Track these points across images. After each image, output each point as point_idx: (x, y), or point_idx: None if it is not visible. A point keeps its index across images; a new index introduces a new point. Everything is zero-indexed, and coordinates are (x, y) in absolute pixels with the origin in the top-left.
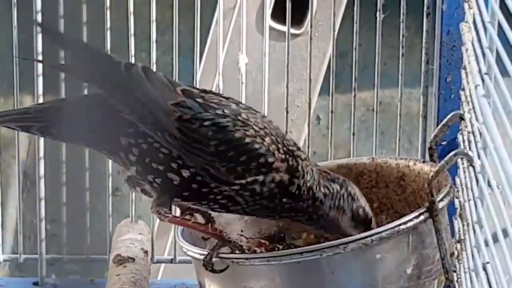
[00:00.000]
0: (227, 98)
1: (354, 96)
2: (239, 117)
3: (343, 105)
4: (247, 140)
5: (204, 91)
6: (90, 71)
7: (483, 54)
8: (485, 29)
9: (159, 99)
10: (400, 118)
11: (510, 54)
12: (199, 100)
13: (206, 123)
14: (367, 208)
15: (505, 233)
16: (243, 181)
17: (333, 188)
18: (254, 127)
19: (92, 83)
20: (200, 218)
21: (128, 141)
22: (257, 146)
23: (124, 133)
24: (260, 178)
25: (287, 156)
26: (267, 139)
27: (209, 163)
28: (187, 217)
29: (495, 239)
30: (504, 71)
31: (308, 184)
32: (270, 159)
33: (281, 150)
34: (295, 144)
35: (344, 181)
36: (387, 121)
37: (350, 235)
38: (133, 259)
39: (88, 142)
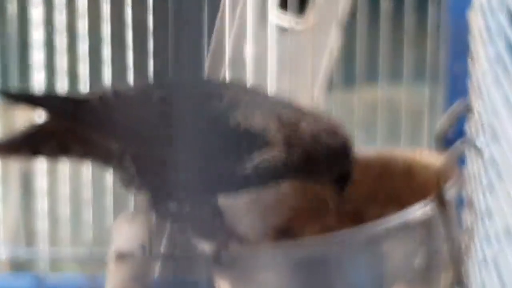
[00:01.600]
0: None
1: (359, 89)
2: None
3: (347, 100)
4: (242, 126)
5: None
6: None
7: (492, 42)
8: (494, 15)
9: (140, 116)
10: (405, 110)
11: None
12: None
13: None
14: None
15: None
16: (248, 169)
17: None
18: (240, 108)
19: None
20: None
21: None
22: (252, 129)
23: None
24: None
25: (282, 126)
26: (255, 116)
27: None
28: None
29: (506, 232)
30: None
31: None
32: (267, 138)
33: (274, 120)
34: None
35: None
36: (394, 115)
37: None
38: (132, 254)
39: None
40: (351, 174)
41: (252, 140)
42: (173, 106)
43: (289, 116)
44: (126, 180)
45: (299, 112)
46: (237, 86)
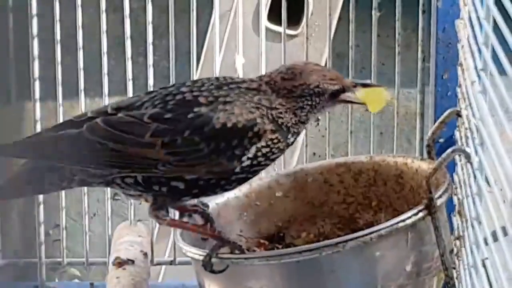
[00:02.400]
0: (174, 86)
1: None
2: (204, 108)
3: (341, 106)
4: (229, 124)
5: (160, 90)
6: (63, 160)
7: (479, 51)
8: (481, 25)
9: (136, 139)
10: (397, 116)
11: (505, 50)
12: (168, 115)
13: (186, 132)
14: (334, 85)
15: (504, 231)
16: (247, 161)
17: (306, 105)
18: (220, 106)
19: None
20: (198, 219)
21: (121, 172)
22: (240, 125)
23: (118, 170)
24: (258, 146)
25: (261, 109)
26: (236, 110)
27: (209, 164)
28: (185, 218)
29: (495, 237)
30: (501, 68)
31: (292, 121)
32: (256, 129)
33: (253, 109)
34: (243, 80)
35: (308, 86)
36: (386, 121)
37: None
38: (133, 261)
39: (82, 183)
40: (339, 88)
41: (241, 135)
42: (161, 124)
43: (266, 100)
44: (131, 193)
45: (281, 93)
46: (204, 83)
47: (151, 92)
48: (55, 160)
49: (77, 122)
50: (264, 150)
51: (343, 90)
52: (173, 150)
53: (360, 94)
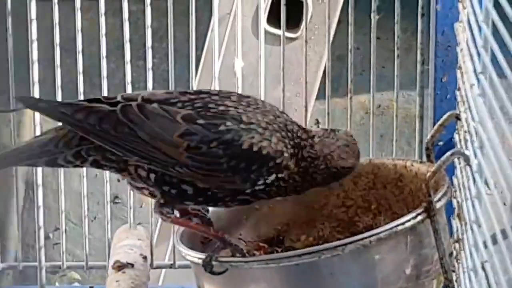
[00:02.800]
0: (218, 94)
1: (350, 98)
2: (242, 125)
3: (342, 109)
4: (255, 148)
5: (199, 93)
6: (91, 133)
7: (478, 54)
8: (480, 28)
9: (164, 135)
10: (396, 119)
11: (504, 53)
12: (200, 121)
13: (213, 144)
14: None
15: (504, 234)
16: (261, 186)
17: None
18: (259, 129)
19: (97, 142)
20: (197, 221)
21: (138, 161)
22: (265, 152)
23: (137, 158)
24: (272, 177)
25: (295, 150)
26: (274, 138)
27: (223, 179)
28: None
29: (494, 240)
30: (500, 71)
31: (311, 170)
32: (278, 160)
33: (289, 146)
34: (297, 127)
35: (331, 160)
36: (386, 124)
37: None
38: (132, 265)
39: (95, 164)
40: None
41: (263, 161)
42: (192, 126)
43: (301, 139)
44: (139, 185)
45: (309, 134)
46: (250, 103)
47: (187, 92)
48: (81, 129)
49: (108, 101)
50: (281, 183)
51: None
52: (195, 156)
53: None
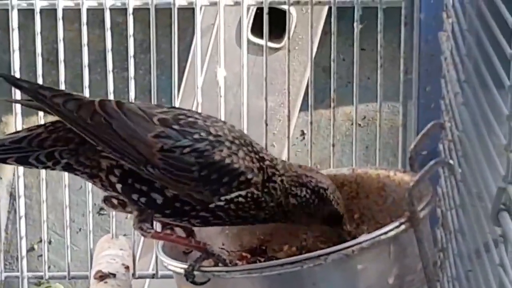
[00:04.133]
0: (189, 111)
1: (333, 107)
2: (212, 137)
3: (328, 120)
4: (227, 161)
5: (171, 108)
6: (65, 116)
7: (462, 62)
8: (463, 37)
9: (139, 133)
10: (380, 128)
11: (488, 62)
12: (176, 127)
13: (186, 150)
14: (339, 207)
15: (486, 246)
16: (225, 201)
17: (303, 196)
18: (226, 142)
19: (71, 126)
20: (180, 232)
21: (109, 163)
22: (236, 165)
23: (104, 156)
24: (242, 193)
25: (261, 164)
26: (240, 153)
27: (192, 188)
28: (168, 231)
29: (478, 249)
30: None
31: (278, 200)
32: (249, 176)
33: (254, 160)
34: (261, 148)
35: (317, 184)
36: (372, 135)
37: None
38: (114, 275)
39: (67, 168)
40: (338, 212)
41: (234, 176)
42: (167, 129)
43: (269, 162)
44: (108, 194)
45: (275, 160)
46: (219, 121)
47: (162, 105)
48: (58, 113)
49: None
50: (240, 199)
51: (340, 219)
52: (167, 159)
53: None
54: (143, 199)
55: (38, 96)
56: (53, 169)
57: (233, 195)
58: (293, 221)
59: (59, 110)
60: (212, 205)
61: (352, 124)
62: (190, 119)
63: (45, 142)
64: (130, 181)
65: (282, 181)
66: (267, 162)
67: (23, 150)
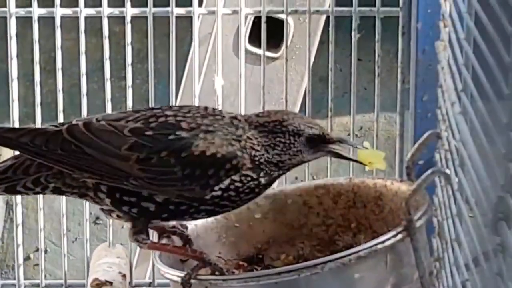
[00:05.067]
0: (160, 108)
1: (330, 117)
2: (185, 133)
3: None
4: (207, 153)
5: (147, 111)
6: (37, 154)
7: (459, 72)
8: (461, 46)
9: (111, 149)
10: (377, 139)
11: (486, 71)
12: (149, 133)
13: (163, 153)
14: (314, 129)
15: (486, 256)
16: (220, 191)
17: (279, 142)
18: (201, 134)
19: (44, 162)
20: (177, 241)
21: (95, 181)
22: (218, 155)
23: (88, 175)
24: (233, 179)
25: (241, 144)
26: (217, 140)
27: (180, 188)
28: (164, 240)
29: (475, 258)
30: (481, 89)
31: (264, 156)
32: (234, 161)
33: (233, 142)
34: (231, 118)
35: (282, 123)
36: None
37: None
38: (111, 283)
39: (56, 191)
40: (319, 133)
41: (219, 165)
42: (140, 139)
43: (248, 135)
44: (106, 210)
45: (253, 125)
46: (191, 110)
47: (139, 110)
48: (27, 152)
49: (61, 124)
50: (236, 184)
51: (324, 138)
52: (146, 167)
53: (359, 154)
54: (134, 210)
55: (4, 141)
56: (44, 194)
57: (225, 183)
58: (288, 167)
59: (28, 149)
60: (208, 197)
61: (348, 134)
62: (160, 119)
63: (30, 169)
64: (118, 195)
65: (255, 138)
66: (243, 136)
67: (10, 179)
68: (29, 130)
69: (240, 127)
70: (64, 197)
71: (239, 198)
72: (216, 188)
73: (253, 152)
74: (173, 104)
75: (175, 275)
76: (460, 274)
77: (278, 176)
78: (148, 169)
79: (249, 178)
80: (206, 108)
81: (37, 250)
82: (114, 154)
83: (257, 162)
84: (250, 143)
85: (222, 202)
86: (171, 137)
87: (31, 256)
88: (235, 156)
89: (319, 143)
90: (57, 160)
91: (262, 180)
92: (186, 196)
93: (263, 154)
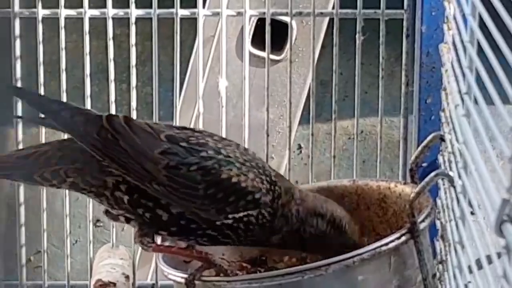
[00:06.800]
0: (201, 132)
1: (334, 119)
2: (221, 156)
3: (325, 134)
4: (234, 179)
5: (183, 129)
6: (72, 130)
7: (463, 74)
8: (465, 49)
9: (145, 149)
10: (380, 139)
11: (490, 73)
12: (183, 144)
13: (193, 167)
14: (355, 237)
15: (489, 259)
16: (233, 219)
17: (320, 226)
18: (236, 163)
19: (77, 140)
20: (181, 242)
21: (115, 180)
22: (243, 184)
23: (110, 173)
24: (251, 213)
25: (272, 187)
26: (250, 174)
27: (198, 206)
28: (168, 242)
29: (479, 261)
30: (485, 92)
31: (293, 227)
32: (257, 195)
33: (264, 182)
34: (275, 173)
35: (333, 214)
36: (369, 150)
37: None
38: (114, 284)
39: (73, 186)
40: (354, 242)
41: (241, 196)
42: (174, 146)
43: (280, 185)
44: (115, 212)
45: (286, 182)
46: (232, 145)
47: (173, 126)
48: (68, 129)
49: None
50: (250, 219)
51: (356, 248)
52: (172, 176)
53: None
54: (148, 214)
55: (44, 109)
56: (58, 187)
57: (240, 214)
58: (307, 250)
59: (66, 124)
60: (219, 223)
61: (349, 138)
62: (200, 140)
63: (51, 160)
64: (136, 196)
65: (297, 210)
66: (281, 186)
67: (29, 167)
68: (71, 107)
69: (285, 186)
70: (67, 198)
71: (245, 234)
72: (230, 216)
73: (284, 219)
74: (177, 105)
75: (179, 276)
76: (462, 277)
77: (289, 248)
78: (174, 179)
79: (265, 218)
80: (246, 148)
81: (37, 252)
82: (146, 154)
83: (281, 214)
84: (288, 211)
85: (228, 231)
86: (203, 154)
87: (32, 258)
88: (260, 191)
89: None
90: (90, 143)
91: (276, 237)
92: (200, 215)
93: (295, 223)
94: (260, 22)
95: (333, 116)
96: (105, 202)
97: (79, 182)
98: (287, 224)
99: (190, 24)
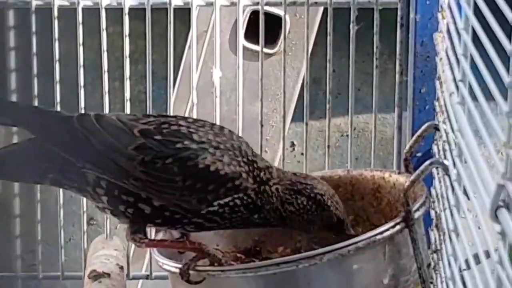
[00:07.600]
0: (175, 117)
1: (329, 108)
2: (195, 145)
3: (318, 132)
4: (212, 168)
5: (159, 117)
6: (43, 134)
7: (458, 62)
8: (459, 36)
9: (118, 146)
10: (374, 129)
11: (485, 59)
12: (158, 137)
13: (168, 160)
14: (338, 212)
15: (486, 254)
16: (214, 208)
17: (299, 203)
18: (210, 149)
19: (48, 144)
20: (175, 233)
21: (95, 175)
22: (222, 172)
23: (89, 168)
24: (234, 197)
25: (250, 168)
26: (226, 159)
27: (179, 198)
28: (162, 233)
29: (473, 249)
30: (480, 80)
31: (274, 205)
32: (237, 182)
33: (242, 164)
34: (253, 153)
35: (312, 189)
36: (361, 147)
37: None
38: (109, 275)
39: (55, 182)
40: (338, 217)
41: (220, 183)
42: (149, 140)
43: (258, 165)
44: (101, 206)
45: (270, 167)
46: (205, 125)
47: (149, 115)
48: (38, 134)
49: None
50: (236, 202)
51: (340, 225)
52: (149, 171)
53: None
54: (130, 210)
55: (15, 117)
56: (41, 183)
57: (226, 199)
58: (292, 227)
59: (37, 130)
60: (203, 211)
61: (342, 135)
62: (173, 127)
63: (31, 157)
64: (117, 193)
65: (277, 189)
66: (259, 166)
67: (15, 163)
68: (40, 110)
69: (263, 165)
70: (61, 196)
71: (230, 217)
72: (215, 203)
73: (263, 196)
74: (170, 97)
75: (173, 266)
76: (457, 264)
77: (273, 226)
78: (151, 173)
79: (245, 202)
80: (222, 127)
81: (31, 251)
82: (120, 151)
83: (261, 202)
84: (268, 187)
85: (215, 217)
86: (178, 145)
87: (24, 257)
88: (239, 177)
89: (333, 226)
90: (62, 145)
91: (256, 218)
92: (183, 207)
93: (273, 204)
94: (253, 16)
95: (327, 106)
96: (89, 197)
97: (60, 178)
98: (267, 203)
99: (183, 22)
